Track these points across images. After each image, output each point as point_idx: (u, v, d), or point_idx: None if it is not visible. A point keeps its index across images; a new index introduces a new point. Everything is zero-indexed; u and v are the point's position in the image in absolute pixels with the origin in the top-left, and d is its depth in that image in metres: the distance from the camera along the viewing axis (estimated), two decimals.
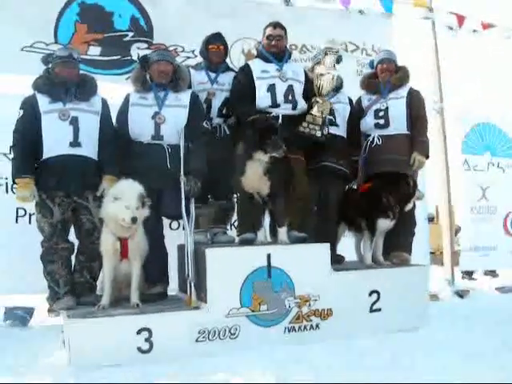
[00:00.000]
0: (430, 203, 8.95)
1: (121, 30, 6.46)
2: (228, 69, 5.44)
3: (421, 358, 4.00)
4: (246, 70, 5.18)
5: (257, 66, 5.17)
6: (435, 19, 7.87)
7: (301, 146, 5.05)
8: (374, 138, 5.65)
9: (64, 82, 4.76)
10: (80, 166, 4.66)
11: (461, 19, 7.90)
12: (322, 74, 5.12)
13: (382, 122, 5.64)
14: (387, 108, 5.63)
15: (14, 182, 4.83)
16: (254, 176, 4.58)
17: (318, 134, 5.03)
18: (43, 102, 4.69)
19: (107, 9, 6.43)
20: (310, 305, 4.54)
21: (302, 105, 5.11)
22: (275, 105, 5.03)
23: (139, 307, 4.27)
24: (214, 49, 5.33)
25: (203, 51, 5.42)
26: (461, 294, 7.16)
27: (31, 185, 4.60)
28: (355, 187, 5.70)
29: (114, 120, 4.95)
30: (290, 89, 5.08)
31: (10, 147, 4.93)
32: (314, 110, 5.05)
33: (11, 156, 4.93)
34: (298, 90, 5.13)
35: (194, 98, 4.94)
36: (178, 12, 6.61)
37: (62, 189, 4.64)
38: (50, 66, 4.87)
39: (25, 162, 4.65)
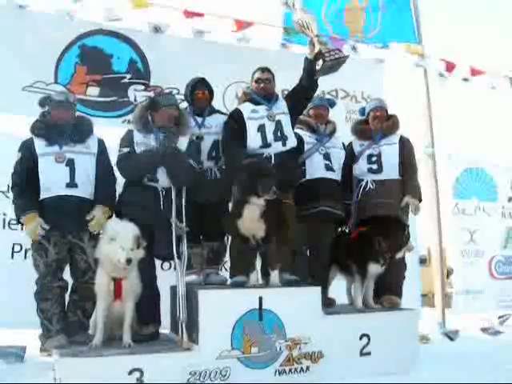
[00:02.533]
0: (422, 245, 9.03)
1: (119, 72, 6.60)
2: (214, 111, 5.49)
3: None
4: (236, 115, 5.22)
5: (247, 108, 5.24)
6: (427, 66, 8.02)
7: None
8: (367, 183, 5.71)
9: (60, 124, 4.83)
10: (76, 206, 4.72)
11: (450, 66, 8.08)
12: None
13: (375, 167, 5.71)
14: (380, 153, 5.71)
15: (20, 223, 4.92)
16: (251, 219, 4.62)
17: (342, 54, 5.02)
18: (40, 145, 4.77)
19: (107, 51, 6.57)
20: (300, 348, 4.56)
21: (291, 139, 5.16)
22: (266, 145, 5.09)
23: (131, 347, 4.27)
24: (200, 94, 5.41)
25: (188, 96, 5.50)
26: (451, 336, 7.17)
27: (36, 217, 4.63)
28: (347, 230, 5.77)
29: (113, 158, 4.99)
30: (279, 125, 5.13)
31: (10, 187, 5.01)
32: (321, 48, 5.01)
33: (9, 194, 5.02)
34: (286, 121, 5.18)
35: (189, 144, 4.99)
36: (174, 55, 6.78)
37: (58, 229, 4.68)
38: (46, 108, 4.96)
39: (26, 200, 4.70)
